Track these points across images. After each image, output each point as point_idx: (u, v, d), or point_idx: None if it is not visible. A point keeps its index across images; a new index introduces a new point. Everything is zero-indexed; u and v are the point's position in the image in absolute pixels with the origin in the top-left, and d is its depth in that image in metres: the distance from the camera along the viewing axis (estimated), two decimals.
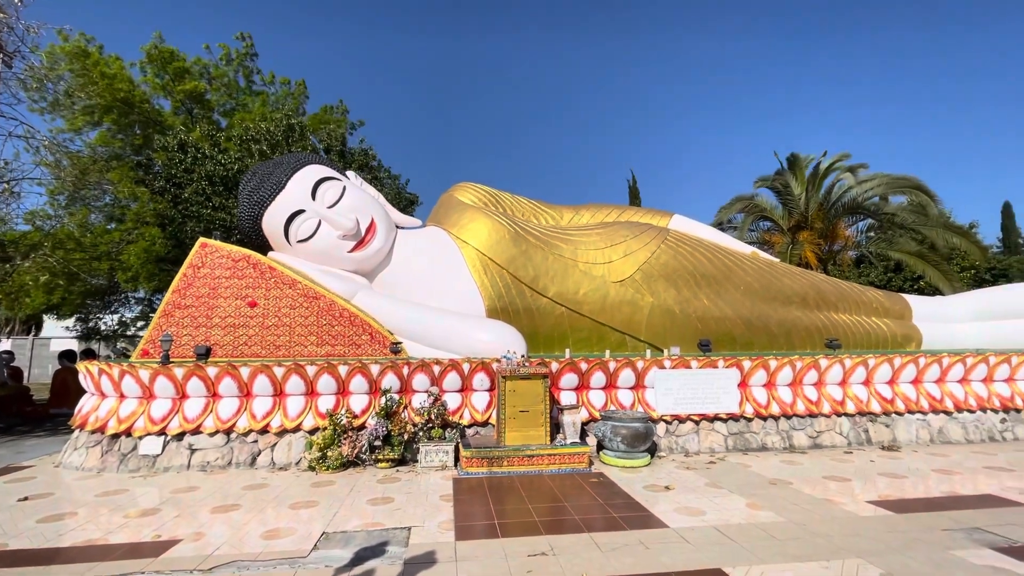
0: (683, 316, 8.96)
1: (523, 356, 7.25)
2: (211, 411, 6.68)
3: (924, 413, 8.05)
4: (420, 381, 7.08)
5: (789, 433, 7.64)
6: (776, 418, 7.68)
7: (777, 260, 11.79)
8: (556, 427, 6.92)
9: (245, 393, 6.79)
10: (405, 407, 6.98)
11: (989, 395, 8.26)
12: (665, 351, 8.21)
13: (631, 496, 5.33)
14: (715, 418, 7.52)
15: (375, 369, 6.96)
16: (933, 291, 15.88)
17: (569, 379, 7.35)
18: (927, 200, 15.32)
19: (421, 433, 6.70)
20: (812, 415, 7.75)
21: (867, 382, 8.05)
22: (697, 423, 7.50)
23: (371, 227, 8.49)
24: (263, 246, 8.68)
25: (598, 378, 7.43)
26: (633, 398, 7.50)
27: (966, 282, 20.62)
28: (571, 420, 6.73)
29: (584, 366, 7.35)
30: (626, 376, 7.47)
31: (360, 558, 3.83)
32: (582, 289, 8.86)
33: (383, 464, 6.54)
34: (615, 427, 6.59)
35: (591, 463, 6.57)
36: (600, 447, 6.95)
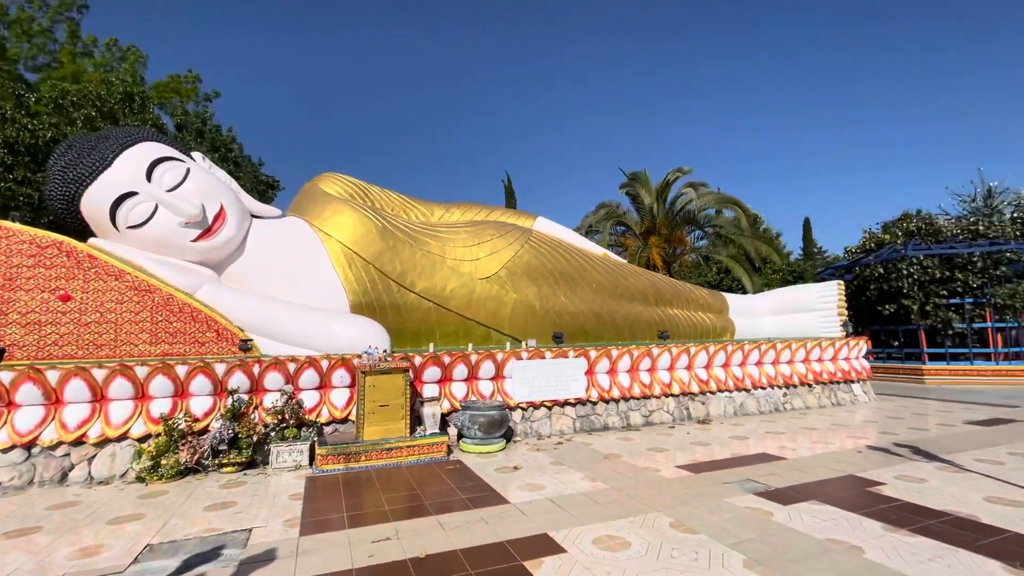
0: (542, 311, 9.68)
1: (385, 351, 7.29)
2: (4, 423, 5.70)
3: (730, 391, 9.71)
4: (273, 380, 6.76)
5: (627, 413, 8.72)
6: (616, 401, 8.70)
7: (625, 262, 13.24)
8: (418, 420, 7.10)
9: (53, 400, 5.89)
10: (256, 407, 6.63)
11: (776, 374, 10.24)
12: (523, 343, 8.82)
13: (482, 479, 5.72)
14: (565, 403, 8.30)
15: (220, 368, 6.50)
16: (744, 289, 19.09)
17: (432, 372, 7.57)
18: (743, 214, 18.36)
19: (273, 434, 6.42)
20: (646, 397, 8.93)
21: (689, 367, 9.48)
22: (550, 409, 8.21)
23: (220, 214, 7.84)
24: (83, 231, 7.54)
25: (460, 370, 7.75)
26: (493, 388, 7.96)
27: (775, 283, 24.98)
28: (431, 412, 6.96)
29: (447, 359, 7.63)
30: (487, 368, 7.91)
31: (189, 565, 3.65)
32: (449, 285, 9.13)
33: (229, 469, 6.15)
34: (473, 416, 6.97)
35: (450, 452, 6.87)
36: (460, 436, 7.29)
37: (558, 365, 8.28)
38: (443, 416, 7.38)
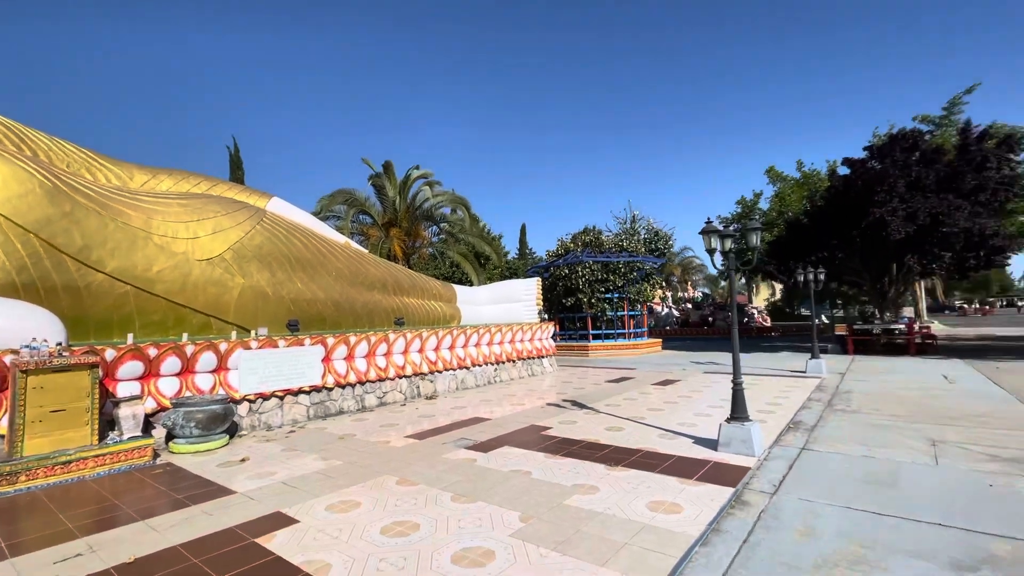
0: (276, 298, 9.22)
1: (60, 344, 5.88)
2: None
3: (454, 369, 11.23)
4: None
5: (362, 397, 9.19)
6: (353, 385, 9.07)
7: (365, 251, 13.59)
8: (111, 423, 5.99)
9: None
10: None
11: (490, 353, 12.30)
12: (253, 332, 8.30)
13: (202, 476, 5.35)
14: (299, 392, 8.22)
15: None
16: (470, 282, 21.93)
17: (131, 368, 6.45)
18: (467, 216, 21.00)
19: None
20: (381, 380, 9.56)
21: (421, 350, 10.55)
22: (281, 398, 8.00)
23: None
24: None
25: (171, 364, 6.84)
26: (214, 381, 7.29)
27: (496, 277, 29.10)
28: (130, 413, 6.00)
29: (153, 352, 6.62)
30: (207, 360, 7.18)
31: None
32: (156, 266, 7.80)
33: None
34: (189, 413, 6.31)
35: (156, 456, 6.06)
36: (171, 436, 6.47)
37: (293, 353, 8.12)
38: (147, 417, 6.41)
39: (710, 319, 33.90)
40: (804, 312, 38.96)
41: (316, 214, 15.23)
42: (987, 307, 60.75)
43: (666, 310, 38.06)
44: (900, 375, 11.59)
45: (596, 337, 20.55)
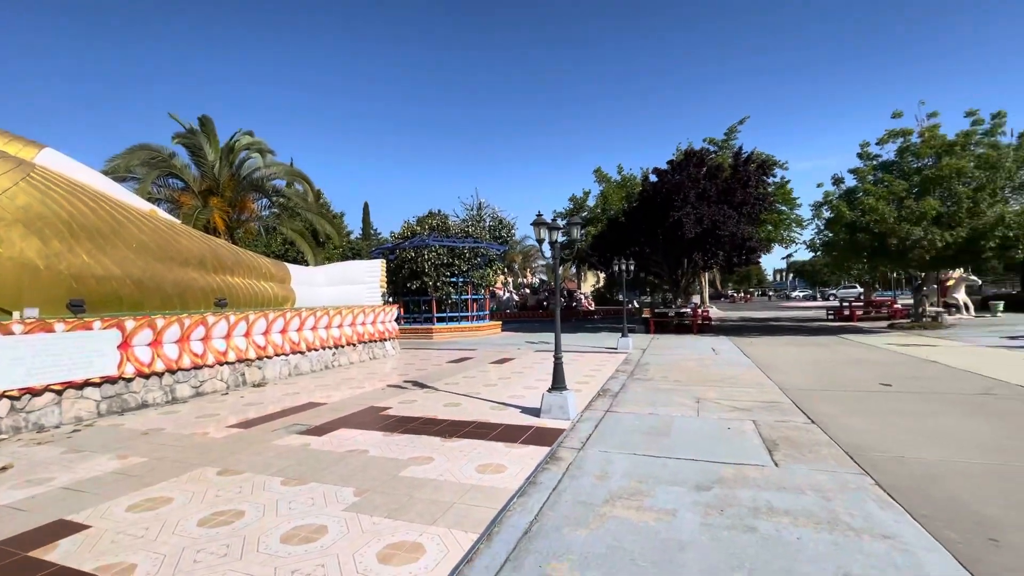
0: (51, 273, 7.55)
1: None
2: None
3: (287, 355, 10.53)
4: None
5: (173, 387, 8.11)
6: (160, 375, 7.95)
7: (178, 221, 11.82)
8: None
9: None
10: None
11: (328, 337, 11.80)
12: (16, 314, 6.72)
13: None
14: (85, 384, 6.94)
15: None
16: (307, 262, 20.51)
17: None
18: (309, 190, 19.53)
19: None
20: (197, 367, 8.54)
21: (247, 334, 9.66)
22: (60, 393, 6.67)
23: None
24: None
25: None
26: None
27: (336, 257, 27.55)
28: None
29: None
30: None
31: None
32: None
33: None
34: None
35: None
36: None
37: (76, 339, 6.80)
38: None
39: (545, 303, 36.89)
40: (621, 298, 44.88)
41: (107, 175, 12.69)
42: (748, 295, 77.08)
43: (507, 294, 40.29)
44: (685, 349, 14.26)
45: (441, 320, 20.95)
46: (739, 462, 4.72)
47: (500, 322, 24.35)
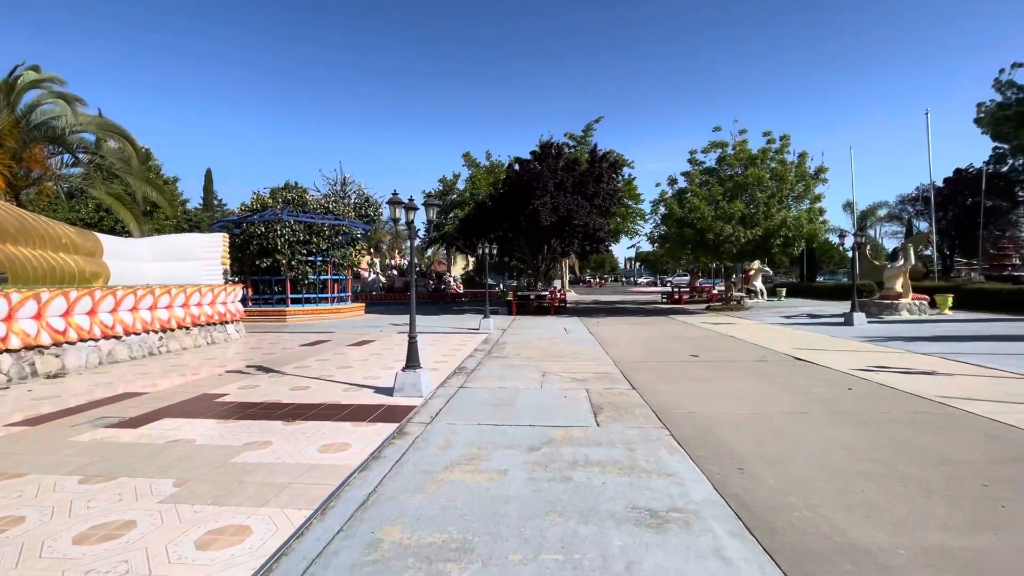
0: None
1: None
2: None
3: (96, 340, 9.00)
4: None
5: None
6: None
7: None
8: None
9: None
10: None
11: (153, 319, 10.32)
12: None
13: None
14: None
15: None
16: (128, 233, 17.54)
17: None
18: (133, 150, 16.60)
19: None
20: None
21: (38, 316, 8.05)
22: None
23: None
24: None
25: None
26: None
27: (168, 229, 23.93)
28: None
29: None
30: None
31: None
32: None
33: None
34: None
35: None
36: None
37: None
38: None
39: None
40: (491, 281, 46.12)
41: None
42: (603, 281, 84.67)
43: (372, 276, 38.89)
44: (540, 329, 15.30)
45: (296, 302, 19.51)
46: (569, 425, 5.33)
47: (364, 304, 23.49)
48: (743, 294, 25.88)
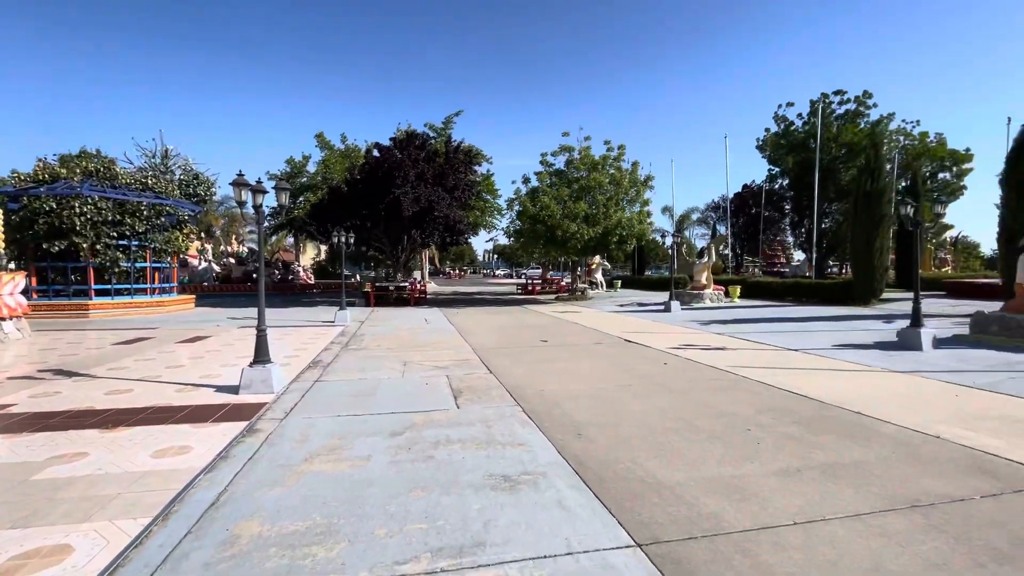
0: None
1: None
2: None
3: None
4: None
5: None
6: None
7: None
8: None
9: None
10: None
11: None
12: None
13: None
14: None
15: None
16: None
17: None
18: None
19: None
20: None
21: None
22: None
23: None
24: None
25: None
26: None
27: None
28: None
29: None
30: None
31: None
32: None
33: None
34: None
35: None
36: None
37: None
38: None
39: (254, 275, 32.93)
40: (347, 272, 43.77)
41: None
42: (462, 273, 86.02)
43: (204, 264, 34.18)
44: (401, 320, 15.18)
45: (103, 294, 16.35)
46: (430, 409, 5.56)
47: (194, 296, 20.63)
48: (586, 286, 28.69)
